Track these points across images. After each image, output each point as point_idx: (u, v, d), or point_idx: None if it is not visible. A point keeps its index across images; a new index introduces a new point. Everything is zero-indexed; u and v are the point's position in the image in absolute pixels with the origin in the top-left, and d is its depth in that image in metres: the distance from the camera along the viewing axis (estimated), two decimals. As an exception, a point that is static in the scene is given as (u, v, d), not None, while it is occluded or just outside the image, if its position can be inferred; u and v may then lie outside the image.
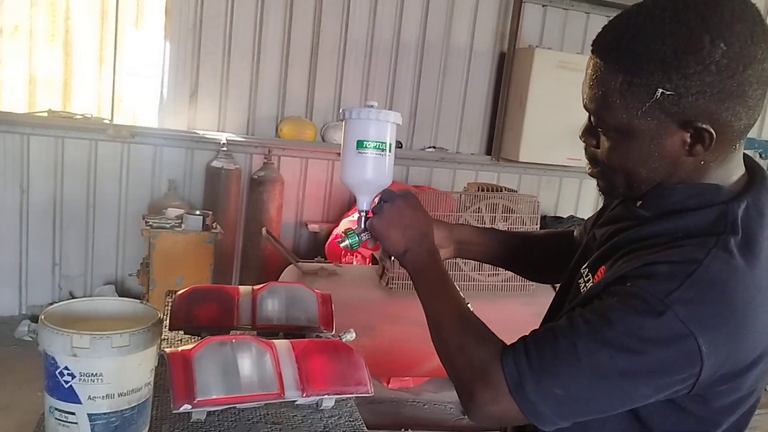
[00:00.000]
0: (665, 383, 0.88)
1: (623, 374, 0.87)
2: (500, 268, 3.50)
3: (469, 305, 1.10)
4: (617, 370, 0.87)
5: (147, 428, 1.21)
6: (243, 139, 4.77)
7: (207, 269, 3.83)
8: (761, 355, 0.90)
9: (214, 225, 3.95)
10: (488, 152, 5.54)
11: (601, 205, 1.23)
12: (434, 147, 5.41)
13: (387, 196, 1.21)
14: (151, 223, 3.80)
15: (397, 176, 5.10)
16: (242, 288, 1.75)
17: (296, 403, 1.41)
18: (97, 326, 1.13)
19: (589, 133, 1.02)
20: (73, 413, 1.10)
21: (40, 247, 4.59)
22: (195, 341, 1.43)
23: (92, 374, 1.08)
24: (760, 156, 5.60)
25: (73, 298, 4.32)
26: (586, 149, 1.05)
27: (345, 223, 4.54)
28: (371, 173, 1.23)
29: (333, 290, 1.87)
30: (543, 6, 5.43)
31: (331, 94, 5.07)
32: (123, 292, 4.76)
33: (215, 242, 3.84)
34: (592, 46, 0.96)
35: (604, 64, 0.93)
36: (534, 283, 3.58)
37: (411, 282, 1.16)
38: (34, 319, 1.19)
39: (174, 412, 1.22)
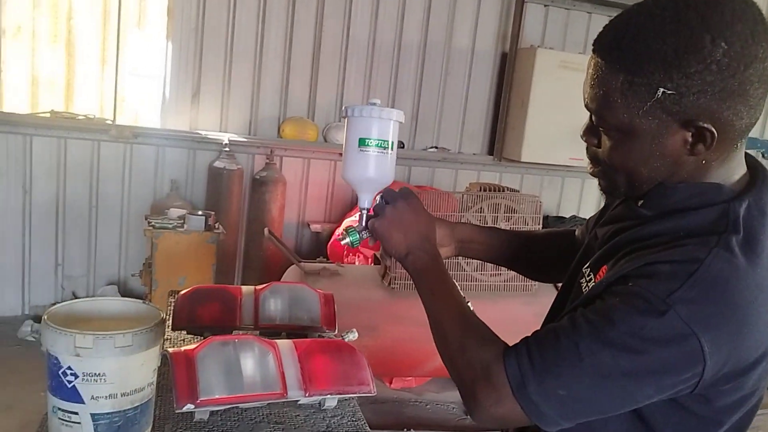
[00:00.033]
0: (668, 383, 0.88)
1: (626, 374, 0.87)
2: (502, 268, 3.52)
3: (469, 304, 1.10)
4: (619, 370, 0.87)
5: (150, 428, 1.22)
6: (245, 140, 4.77)
7: (209, 269, 3.84)
8: (764, 354, 0.90)
9: (216, 225, 3.95)
10: (490, 152, 5.54)
11: (603, 204, 1.23)
12: (436, 147, 5.41)
13: (389, 197, 1.20)
14: (153, 223, 3.80)
15: (399, 176, 5.11)
16: (245, 288, 1.75)
17: (299, 402, 1.41)
18: (99, 326, 1.14)
19: (591, 133, 1.02)
20: (76, 413, 1.10)
21: (42, 248, 4.60)
22: (198, 341, 1.43)
23: (95, 374, 1.08)
24: (763, 156, 5.60)
25: (76, 298, 4.32)
26: (587, 149, 1.05)
27: (347, 223, 4.54)
28: (373, 171, 1.23)
29: (335, 290, 1.87)
30: (545, 6, 5.43)
31: (333, 95, 5.07)
32: (125, 292, 4.77)
33: (217, 242, 3.85)
34: (593, 45, 0.96)
35: (605, 64, 0.93)
36: (536, 283, 3.60)
37: (413, 282, 1.16)
38: (37, 319, 1.19)
39: (177, 411, 1.22)
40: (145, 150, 4.67)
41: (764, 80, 0.88)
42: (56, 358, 1.08)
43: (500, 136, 5.41)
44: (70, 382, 1.08)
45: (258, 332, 1.65)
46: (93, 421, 1.10)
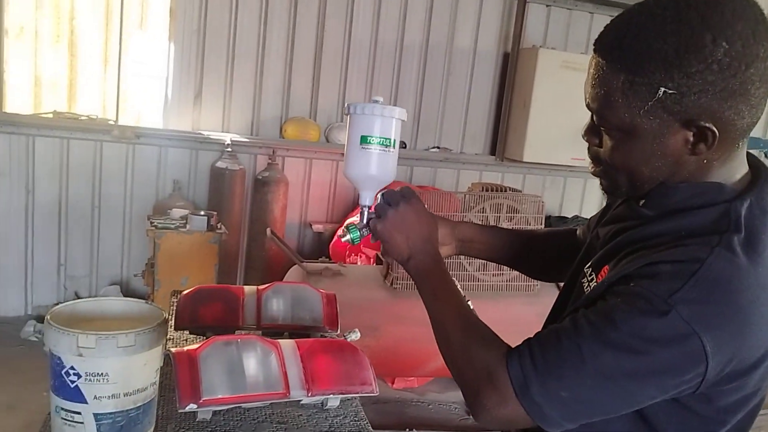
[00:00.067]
0: (671, 384, 0.88)
1: (628, 375, 0.87)
2: (504, 268, 3.52)
3: (468, 302, 1.10)
4: (622, 371, 0.87)
5: (153, 428, 1.22)
6: (247, 140, 4.78)
7: (212, 269, 3.84)
8: (766, 353, 0.90)
9: (218, 225, 3.96)
10: (492, 152, 5.54)
11: (605, 204, 1.23)
12: (438, 147, 5.41)
13: (391, 199, 1.20)
14: (156, 223, 3.81)
15: (401, 176, 5.11)
16: (247, 288, 1.75)
17: (301, 402, 1.41)
18: (102, 326, 1.14)
19: (592, 133, 1.02)
20: (79, 413, 1.10)
21: (45, 248, 4.61)
22: (200, 341, 1.43)
23: (98, 374, 1.08)
24: (766, 156, 5.59)
25: (79, 298, 4.33)
26: (589, 148, 1.05)
27: (349, 222, 4.54)
28: (375, 169, 1.23)
29: (337, 290, 1.87)
30: (547, 6, 5.43)
31: (335, 95, 5.08)
32: (128, 292, 4.77)
33: (220, 242, 3.85)
34: (594, 45, 0.97)
35: (606, 64, 0.93)
36: (538, 282, 3.60)
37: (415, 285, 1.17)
38: (40, 319, 1.19)
39: (180, 411, 1.22)
40: (147, 150, 4.68)
41: (765, 79, 0.88)
42: (59, 358, 1.08)
43: (502, 136, 5.41)
44: (72, 382, 1.08)
45: (260, 332, 1.65)
46: (96, 421, 1.10)
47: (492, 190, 3.71)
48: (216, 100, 4.81)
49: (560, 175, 5.75)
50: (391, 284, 3.54)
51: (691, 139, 0.91)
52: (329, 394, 1.38)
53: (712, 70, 0.85)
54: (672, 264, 0.88)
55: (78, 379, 1.08)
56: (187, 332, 1.71)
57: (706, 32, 0.85)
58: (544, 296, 3.56)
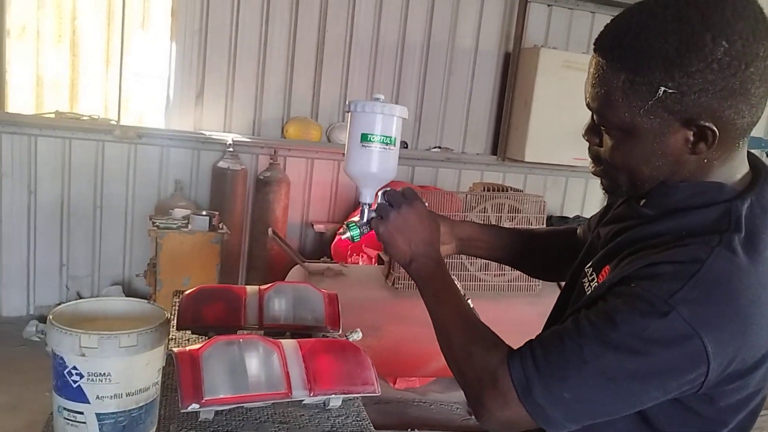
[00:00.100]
0: (673, 384, 0.88)
1: (630, 376, 0.87)
2: (506, 268, 3.52)
3: (469, 301, 1.10)
4: (624, 372, 0.87)
5: (155, 428, 1.22)
6: (249, 140, 4.78)
7: (213, 269, 3.85)
8: (767, 353, 0.90)
9: (220, 225, 3.96)
10: (494, 152, 5.54)
11: (606, 204, 1.23)
12: (439, 147, 5.41)
13: (393, 200, 1.20)
14: (157, 223, 3.81)
15: (402, 176, 5.11)
16: (249, 288, 1.76)
17: (303, 402, 1.42)
18: (104, 326, 1.14)
19: (592, 132, 1.02)
20: (81, 413, 1.10)
21: (47, 248, 4.61)
22: (202, 341, 1.44)
23: (100, 374, 1.09)
24: (767, 155, 5.57)
25: (81, 298, 4.34)
26: (589, 148, 1.04)
27: (350, 223, 4.53)
28: (376, 167, 1.23)
29: (339, 290, 1.88)
30: (548, 6, 5.43)
31: (336, 95, 5.08)
32: (130, 292, 4.78)
33: (222, 242, 3.86)
34: (594, 44, 0.96)
35: (607, 63, 0.93)
36: (540, 282, 3.60)
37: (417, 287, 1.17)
38: (42, 319, 1.20)
39: (182, 411, 1.23)
40: (149, 150, 4.69)
41: (765, 79, 0.88)
42: (61, 358, 1.09)
43: (503, 136, 5.41)
44: (75, 381, 1.09)
45: (262, 332, 1.66)
46: (98, 420, 1.11)
47: (493, 190, 3.71)
48: (218, 100, 4.82)
49: (562, 174, 5.75)
50: (393, 284, 3.54)
51: (692, 138, 0.91)
52: (331, 394, 1.38)
53: (713, 69, 0.85)
54: (672, 265, 0.87)
55: (80, 379, 1.08)
56: (189, 332, 1.71)
57: (706, 31, 0.85)
58: (546, 296, 3.55)
